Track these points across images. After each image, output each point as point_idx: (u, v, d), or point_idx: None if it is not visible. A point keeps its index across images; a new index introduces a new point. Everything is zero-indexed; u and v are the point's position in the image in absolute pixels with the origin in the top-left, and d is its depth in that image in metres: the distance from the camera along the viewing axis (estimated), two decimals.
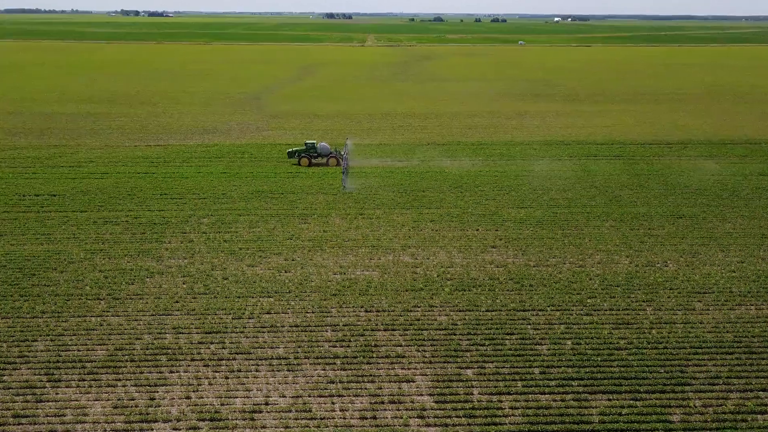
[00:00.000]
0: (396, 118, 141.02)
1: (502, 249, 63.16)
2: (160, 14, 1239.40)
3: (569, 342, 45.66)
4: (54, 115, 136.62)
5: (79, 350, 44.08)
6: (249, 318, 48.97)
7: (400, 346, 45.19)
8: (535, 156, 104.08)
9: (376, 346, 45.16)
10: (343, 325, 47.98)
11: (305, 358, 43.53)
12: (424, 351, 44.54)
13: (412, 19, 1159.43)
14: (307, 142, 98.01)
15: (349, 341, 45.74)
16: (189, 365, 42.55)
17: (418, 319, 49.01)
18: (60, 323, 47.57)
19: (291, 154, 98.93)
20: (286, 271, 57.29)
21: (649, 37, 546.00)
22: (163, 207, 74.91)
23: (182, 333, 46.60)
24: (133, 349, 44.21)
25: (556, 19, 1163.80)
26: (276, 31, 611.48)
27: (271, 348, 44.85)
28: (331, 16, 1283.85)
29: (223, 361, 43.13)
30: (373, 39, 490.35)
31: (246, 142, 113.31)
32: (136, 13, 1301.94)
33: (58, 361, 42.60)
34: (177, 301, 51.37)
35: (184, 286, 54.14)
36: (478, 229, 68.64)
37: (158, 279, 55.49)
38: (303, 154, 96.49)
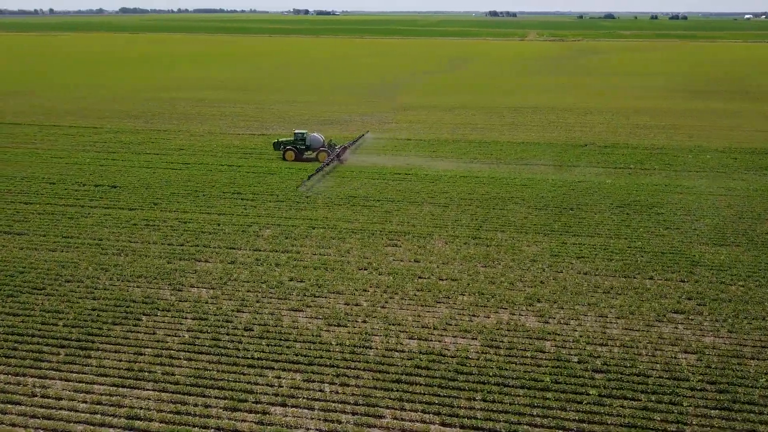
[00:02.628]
0: (548, 112, 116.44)
1: (693, 317, 38.93)
2: (328, 13, 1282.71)
3: None
4: (176, 100, 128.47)
5: None
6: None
7: None
8: (734, 168, 75.82)
9: None
10: None
11: None
12: None
13: (581, 17, 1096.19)
14: (297, 131, 79.70)
15: None
16: None
17: None
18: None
19: (277, 146, 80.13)
20: (337, 325, 37.73)
21: None
22: (225, 210, 58.67)
23: None
24: None
25: (747, 16, 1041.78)
26: (433, 27, 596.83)
27: None
28: (494, 14, 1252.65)
29: None
30: (534, 35, 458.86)
31: (375, 135, 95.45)
32: (306, 11, 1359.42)
33: None
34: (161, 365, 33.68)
35: (185, 336, 36.43)
36: (652, 277, 44.61)
37: (156, 322, 38.30)
38: (289, 146, 78.30)
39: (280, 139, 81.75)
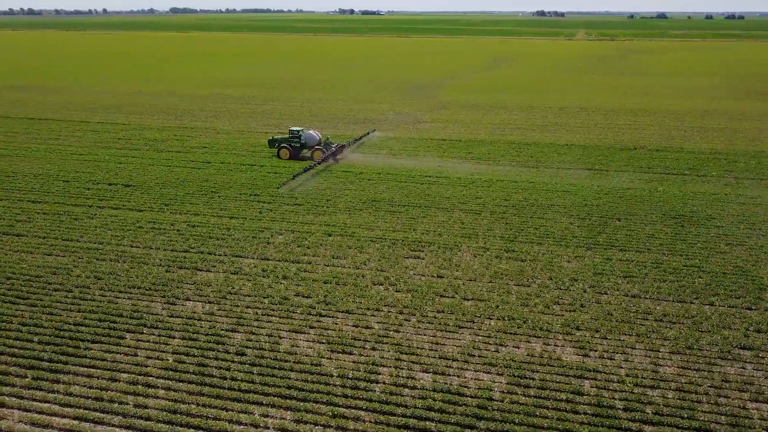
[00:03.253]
0: (594, 113, 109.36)
1: (764, 355, 32.72)
2: (373, 12, 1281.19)
3: None
4: (209, 98, 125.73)
5: None
6: None
7: None
8: None
9: None
10: None
11: None
12: None
13: (632, 16, 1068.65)
14: (292, 129, 76.19)
15: None
16: None
17: None
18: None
19: (272, 143, 76.71)
20: (341, 352, 32.83)
21: None
22: (239, 212, 54.49)
23: None
24: None
25: None
26: (477, 26, 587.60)
27: None
28: (542, 14, 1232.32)
29: None
30: (583, 34, 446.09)
31: (393, 135, 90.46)
32: (351, 11, 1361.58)
33: None
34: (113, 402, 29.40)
35: (169, 359, 32.10)
36: (713, 303, 38.40)
37: (140, 341, 34.10)
38: (284, 144, 74.93)
39: (275, 137, 77.94)
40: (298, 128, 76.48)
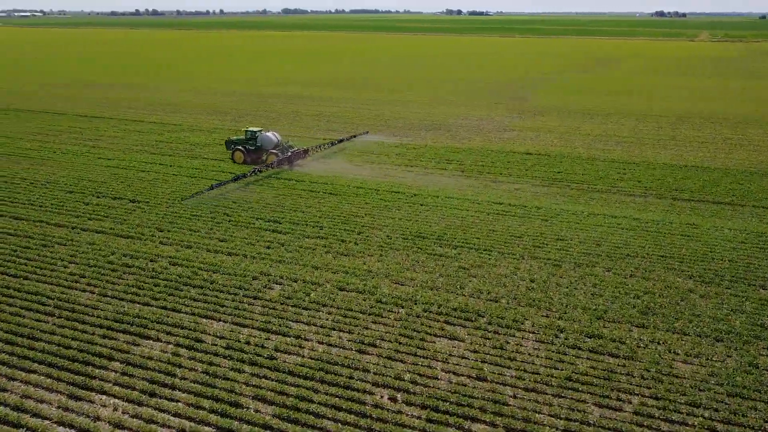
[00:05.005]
0: (722, 125, 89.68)
1: None
2: (481, 13, 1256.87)
3: None
4: (281, 97, 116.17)
5: None
6: None
7: None
8: None
9: None
10: None
11: None
12: None
13: (764, 17, 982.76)
14: (248, 129, 66.79)
15: None
16: None
17: None
18: None
19: (228, 145, 67.80)
20: None
21: None
22: (241, 246, 42.32)
23: None
24: None
25: None
26: (586, 26, 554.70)
27: None
28: (661, 14, 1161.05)
29: None
30: (706, 35, 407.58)
31: (469, 145, 76.05)
32: (459, 12, 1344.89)
33: None
34: None
35: None
36: None
37: None
38: (238, 146, 66.01)
39: (231, 137, 69.11)
40: (254, 129, 66.43)
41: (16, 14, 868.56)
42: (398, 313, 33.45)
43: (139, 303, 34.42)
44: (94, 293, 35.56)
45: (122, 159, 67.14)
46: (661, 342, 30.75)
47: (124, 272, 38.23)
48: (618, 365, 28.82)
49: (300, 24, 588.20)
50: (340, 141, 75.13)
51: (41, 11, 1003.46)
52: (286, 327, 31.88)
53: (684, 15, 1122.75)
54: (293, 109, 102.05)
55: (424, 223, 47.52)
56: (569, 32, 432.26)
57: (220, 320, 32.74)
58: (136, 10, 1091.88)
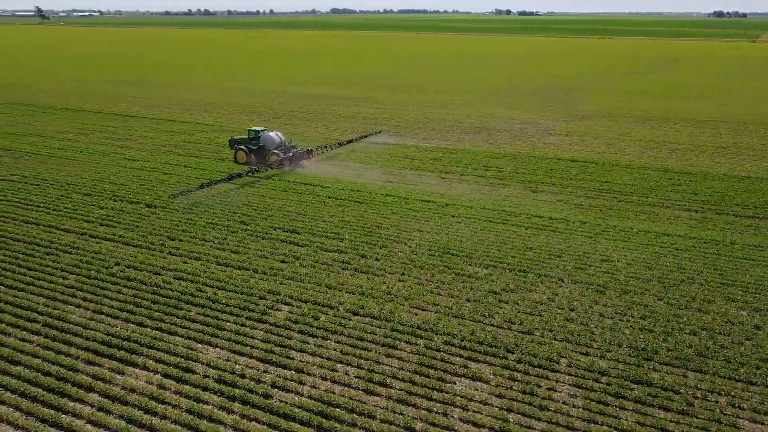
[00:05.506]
0: None
1: None
2: (531, 13, 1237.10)
3: None
4: (320, 97, 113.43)
5: None
6: None
7: None
8: None
9: None
10: None
11: None
12: None
13: None
14: (251, 129, 65.24)
15: None
16: None
17: None
18: None
19: (231, 144, 66.51)
20: None
21: None
22: (254, 259, 39.09)
23: None
24: None
25: None
26: (639, 26, 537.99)
27: None
28: (720, 14, 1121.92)
29: None
30: None
31: (510, 151, 71.50)
32: (508, 12, 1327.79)
33: None
34: None
35: None
36: None
37: None
38: (240, 146, 64.77)
39: (235, 137, 67.65)
40: (258, 128, 64.90)
41: (75, 14, 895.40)
42: (416, 345, 29.60)
43: (133, 323, 31.48)
44: (88, 309, 32.81)
45: (147, 160, 65.04)
46: (722, 392, 26.09)
47: (124, 286, 35.44)
48: (670, 421, 24.33)
49: (347, 24, 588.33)
50: (349, 142, 72.48)
51: (98, 11, 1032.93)
52: (288, 357, 28.40)
53: (744, 15, 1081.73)
54: (330, 110, 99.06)
55: (454, 237, 43.46)
56: (623, 32, 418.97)
57: (216, 346, 29.48)
58: (189, 10, 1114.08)
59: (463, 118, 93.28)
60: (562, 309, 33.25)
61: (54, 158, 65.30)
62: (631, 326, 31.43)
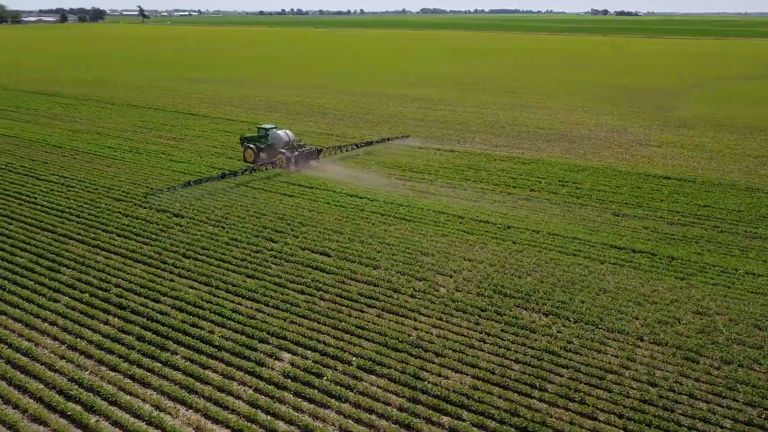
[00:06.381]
0: None
1: None
2: (630, 13, 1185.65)
3: None
4: (383, 97, 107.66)
5: None
6: None
7: None
8: None
9: None
10: None
11: None
12: None
13: None
14: (260, 126, 63.19)
15: None
16: None
17: None
18: None
19: (242, 142, 63.65)
20: None
21: None
22: (254, 288, 33.44)
23: None
24: None
25: None
26: (748, 27, 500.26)
27: None
28: None
29: None
30: None
31: (593, 163, 62.87)
32: (605, 12, 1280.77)
33: None
34: None
35: None
36: None
37: None
38: (249, 144, 62.03)
39: (245, 134, 65.06)
40: (267, 126, 62.57)
41: (176, 13, 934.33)
42: (439, 425, 22.84)
43: (105, 365, 26.43)
44: (63, 344, 28.08)
45: (192, 163, 61.11)
46: None
47: (113, 315, 30.60)
48: None
49: (437, 23, 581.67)
50: (368, 144, 67.97)
51: (198, 11, 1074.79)
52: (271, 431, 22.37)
53: None
54: (400, 111, 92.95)
55: (512, 271, 36.14)
56: (732, 33, 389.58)
57: (191, 407, 23.86)
58: (282, 10, 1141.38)
59: (544, 123, 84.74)
60: (639, 382, 25.53)
61: (101, 158, 62.50)
62: (733, 415, 23.38)
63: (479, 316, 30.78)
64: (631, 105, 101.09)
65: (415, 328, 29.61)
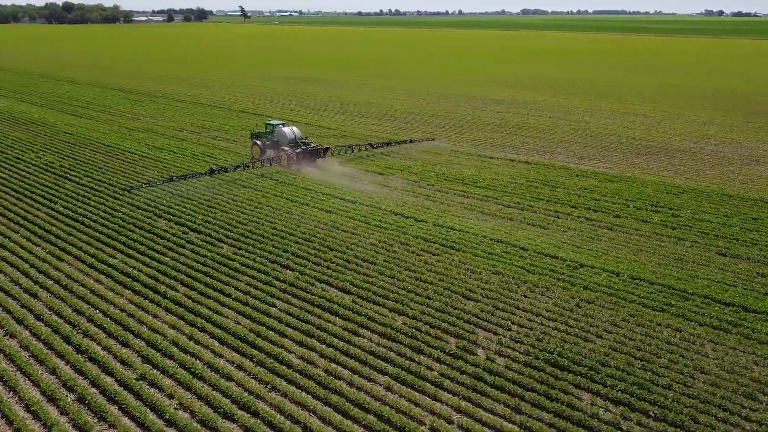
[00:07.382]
0: None
1: None
2: (748, 14, 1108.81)
3: None
4: (462, 99, 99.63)
5: None
6: None
7: None
8: None
9: None
10: None
11: None
12: None
13: None
14: (269, 122, 60.72)
15: None
16: None
17: None
18: None
19: (252, 138, 61.13)
20: None
21: None
22: (251, 342, 26.95)
23: None
24: None
25: None
26: None
27: None
28: None
29: None
30: None
31: (695, 184, 52.48)
32: (720, 12, 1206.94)
33: None
34: None
35: None
36: None
37: None
38: (256, 140, 59.60)
39: (255, 130, 62.42)
40: (274, 122, 60.41)
41: (278, 14, 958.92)
42: None
43: None
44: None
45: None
46: None
47: (69, 382, 24.97)
48: None
49: (537, 24, 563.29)
50: (387, 144, 63.27)
51: (299, 11, 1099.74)
52: None
53: None
54: (475, 116, 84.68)
55: (577, 330, 27.72)
56: None
57: None
58: (380, 10, 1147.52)
59: (639, 132, 74.05)
60: None
61: (145, 158, 58.65)
62: None
63: (522, 398, 22.84)
64: (745, 114, 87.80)
65: (432, 412, 22.07)
